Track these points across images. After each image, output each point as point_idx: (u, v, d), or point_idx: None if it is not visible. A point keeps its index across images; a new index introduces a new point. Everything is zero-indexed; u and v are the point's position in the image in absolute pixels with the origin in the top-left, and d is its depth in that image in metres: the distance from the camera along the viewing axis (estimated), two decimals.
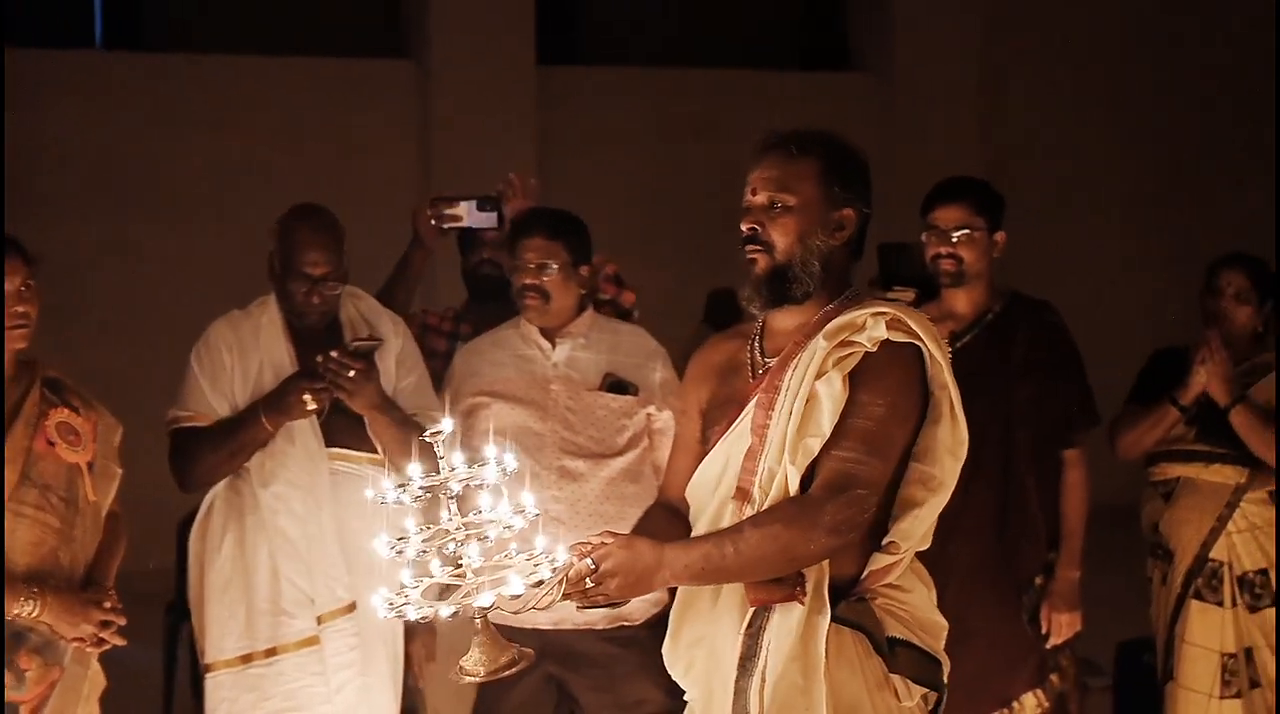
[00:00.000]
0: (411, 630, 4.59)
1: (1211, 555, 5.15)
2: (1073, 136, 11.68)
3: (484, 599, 2.65)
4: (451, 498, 2.70)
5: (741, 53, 11.44)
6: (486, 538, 2.70)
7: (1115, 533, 6.20)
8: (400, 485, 2.72)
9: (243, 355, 4.41)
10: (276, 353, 4.42)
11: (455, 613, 2.68)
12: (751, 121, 10.23)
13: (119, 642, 3.85)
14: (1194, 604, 5.16)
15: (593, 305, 4.91)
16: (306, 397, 4.25)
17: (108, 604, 3.81)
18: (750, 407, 3.15)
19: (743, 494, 3.10)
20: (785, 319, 3.21)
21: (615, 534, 2.92)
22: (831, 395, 3.03)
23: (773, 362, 3.19)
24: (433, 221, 5.02)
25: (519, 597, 2.67)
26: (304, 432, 4.35)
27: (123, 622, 3.83)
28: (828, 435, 3.03)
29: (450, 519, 2.69)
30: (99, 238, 9.46)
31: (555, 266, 4.54)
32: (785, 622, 3.05)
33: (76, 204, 9.39)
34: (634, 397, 4.60)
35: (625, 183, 10.27)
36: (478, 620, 2.72)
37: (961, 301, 4.71)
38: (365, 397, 4.32)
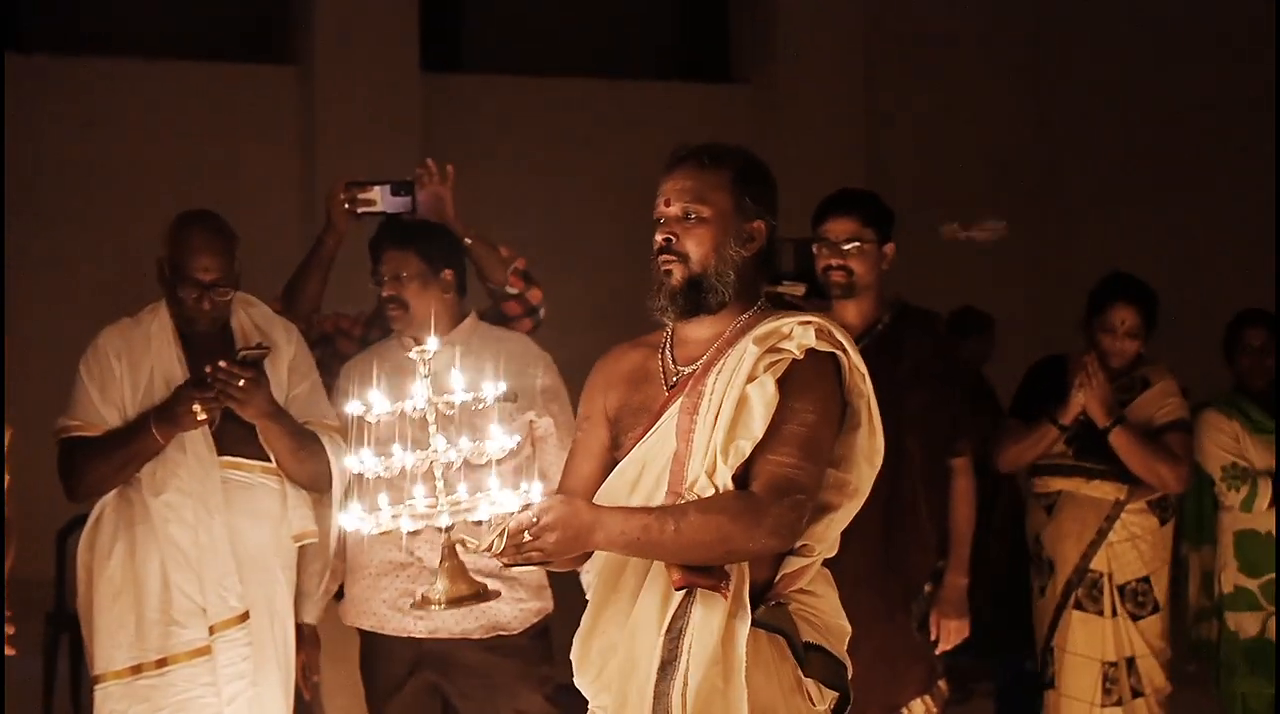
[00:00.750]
0: (298, 643, 4.57)
1: (1091, 566, 5.23)
2: (953, 147, 11.80)
3: (480, 512, 2.79)
4: (436, 418, 2.83)
5: (623, 63, 11.46)
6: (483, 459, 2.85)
7: None
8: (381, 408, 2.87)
9: (133, 364, 4.36)
10: (167, 360, 4.37)
11: (451, 526, 2.81)
12: (634, 132, 10.24)
13: (8, 651, 3.79)
14: (1075, 614, 5.24)
15: (504, 303, 4.92)
16: (196, 407, 4.20)
17: None
18: (671, 412, 3.16)
19: (675, 498, 3.12)
20: (698, 329, 3.23)
21: (552, 493, 2.97)
22: (764, 398, 3.06)
23: (687, 370, 3.21)
24: (346, 206, 4.92)
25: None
26: (195, 440, 4.30)
27: (11, 630, 3.77)
28: (759, 437, 3.06)
29: (438, 443, 2.84)
30: None
31: (407, 275, 4.55)
32: (706, 625, 3.06)
33: None
34: (513, 403, 4.59)
35: (508, 190, 10.25)
36: (445, 548, 2.82)
37: (851, 313, 4.74)
38: (256, 405, 4.28)
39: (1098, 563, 5.23)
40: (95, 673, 4.32)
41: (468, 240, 4.88)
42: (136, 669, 4.26)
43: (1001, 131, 11.94)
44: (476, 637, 4.52)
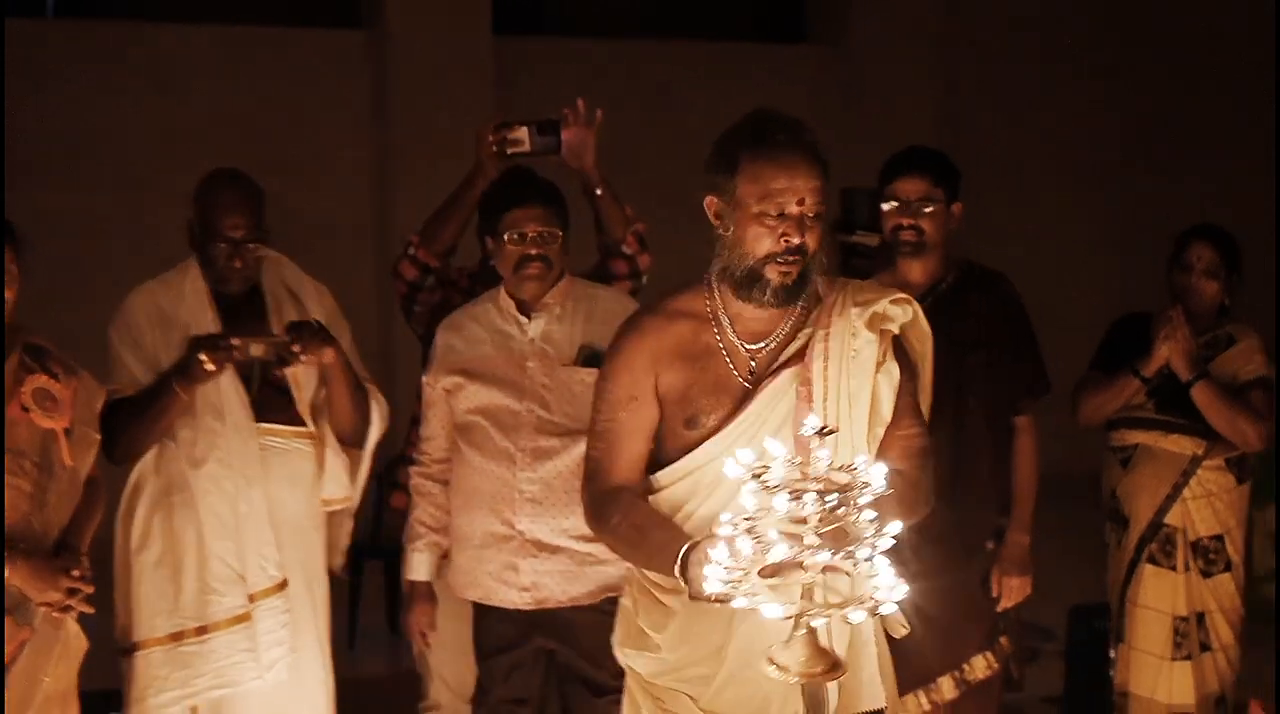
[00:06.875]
0: (409, 600, 4.59)
1: (1166, 521, 5.18)
2: (1030, 107, 11.71)
3: (856, 616, 2.68)
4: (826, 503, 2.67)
5: (698, 25, 11.43)
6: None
7: (1068, 501, 6.27)
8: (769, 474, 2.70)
9: (165, 325, 4.38)
10: (201, 321, 4.38)
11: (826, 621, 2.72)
12: (709, 93, 10.21)
13: (86, 609, 3.84)
14: (1147, 568, 5.20)
15: (613, 260, 4.92)
16: (203, 357, 4.20)
17: (76, 572, 3.80)
18: (768, 396, 3.20)
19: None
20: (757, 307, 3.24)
21: None
22: (891, 384, 3.25)
23: (756, 347, 3.26)
24: (494, 147, 4.91)
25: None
26: (234, 408, 4.32)
27: (90, 589, 3.82)
28: (888, 420, 3.26)
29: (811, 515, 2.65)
30: (45, 206, 9.32)
31: (553, 233, 4.43)
32: (840, 630, 3.10)
33: (26, 172, 9.28)
34: None
35: None
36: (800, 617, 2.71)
37: (916, 271, 4.72)
38: (335, 349, 4.34)
39: (1172, 518, 5.18)
40: (134, 640, 4.35)
41: (599, 190, 4.89)
42: (177, 636, 4.31)
43: (1076, 94, 11.85)
44: (586, 603, 4.40)
